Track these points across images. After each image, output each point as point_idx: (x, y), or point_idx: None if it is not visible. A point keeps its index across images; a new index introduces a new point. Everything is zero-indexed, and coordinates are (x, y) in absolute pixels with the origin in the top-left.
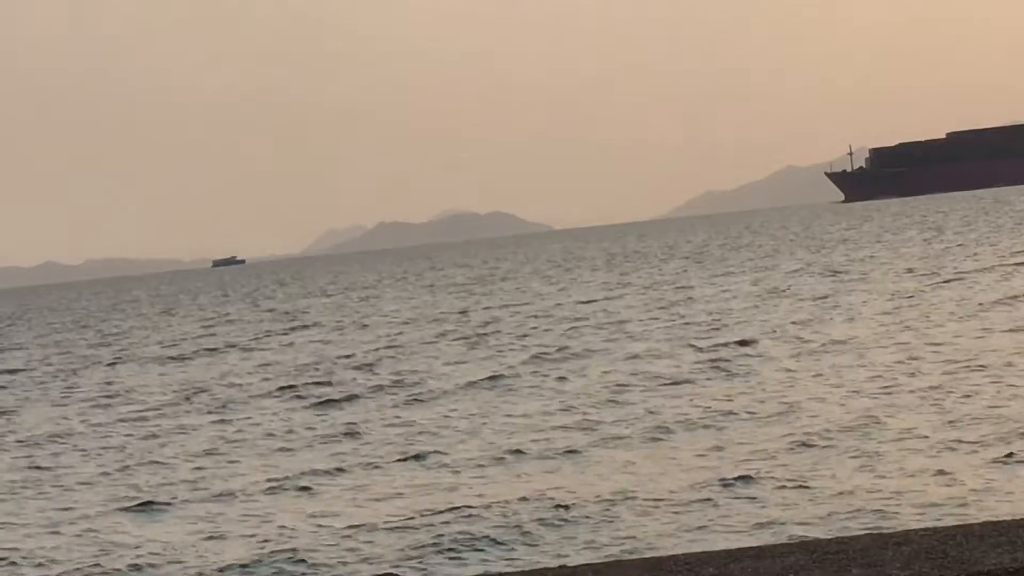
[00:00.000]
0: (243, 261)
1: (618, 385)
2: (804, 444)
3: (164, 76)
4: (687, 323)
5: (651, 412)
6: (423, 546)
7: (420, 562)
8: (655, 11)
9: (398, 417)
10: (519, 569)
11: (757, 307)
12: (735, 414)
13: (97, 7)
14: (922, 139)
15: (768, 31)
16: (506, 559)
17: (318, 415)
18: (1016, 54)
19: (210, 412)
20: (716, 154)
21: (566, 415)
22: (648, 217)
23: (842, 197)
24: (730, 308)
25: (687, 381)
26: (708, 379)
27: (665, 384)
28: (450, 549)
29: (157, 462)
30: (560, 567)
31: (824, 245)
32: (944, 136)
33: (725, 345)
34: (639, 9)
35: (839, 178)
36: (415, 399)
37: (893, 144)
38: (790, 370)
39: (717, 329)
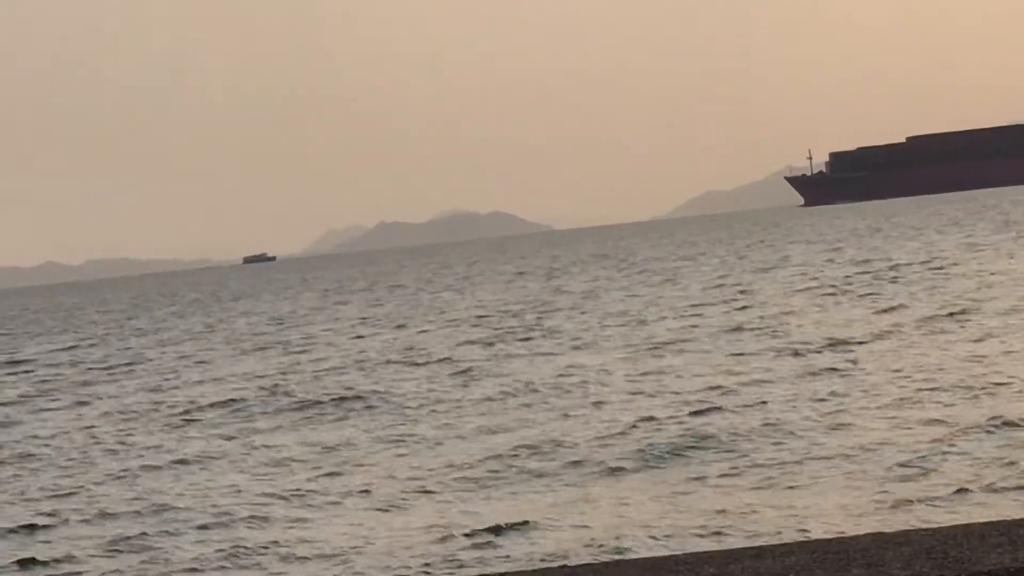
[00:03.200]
0: (274, 258)
1: None
2: None
3: (163, 76)
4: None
5: None
6: None
7: None
8: (655, 11)
9: None
10: (519, 569)
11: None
12: None
13: (97, 5)
14: (882, 143)
15: (769, 31)
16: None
17: None
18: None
19: None
20: (716, 154)
21: None
22: (648, 217)
23: (802, 201)
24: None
25: None
26: None
27: None
28: None
29: None
30: (560, 567)
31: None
32: (904, 140)
33: None
34: (639, 9)
35: (799, 182)
36: None
37: (853, 148)
38: None
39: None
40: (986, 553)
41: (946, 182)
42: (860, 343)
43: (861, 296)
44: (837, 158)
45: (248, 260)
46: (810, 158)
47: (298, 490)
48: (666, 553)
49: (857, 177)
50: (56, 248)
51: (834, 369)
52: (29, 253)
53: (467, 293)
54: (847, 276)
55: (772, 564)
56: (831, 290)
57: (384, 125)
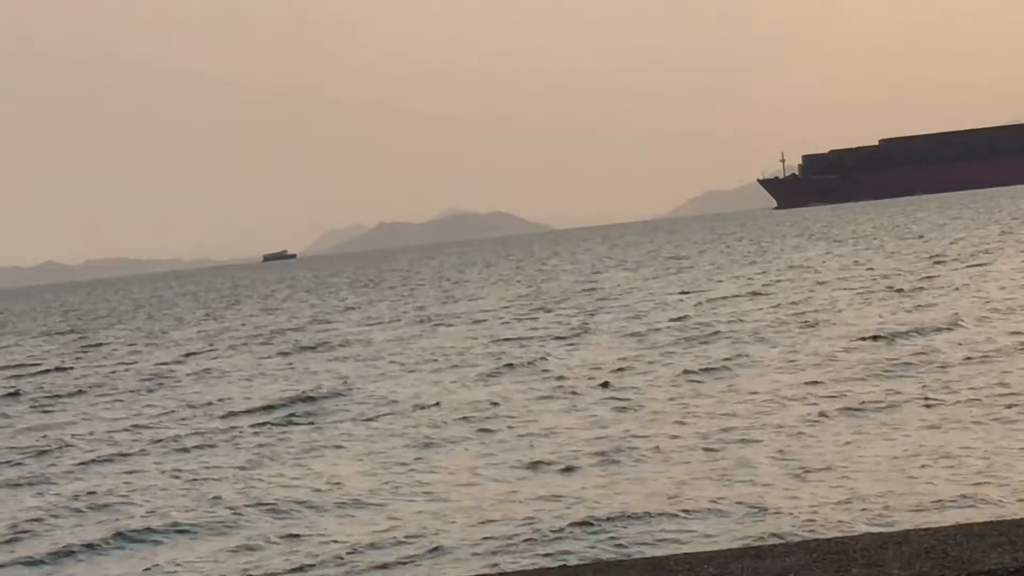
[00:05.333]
0: (294, 256)
1: None
2: None
3: (164, 76)
4: None
5: None
6: None
7: None
8: (655, 10)
9: None
10: (519, 569)
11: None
12: None
13: (98, 6)
14: (854, 146)
15: (769, 30)
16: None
17: None
18: None
19: None
20: (717, 154)
21: None
22: (649, 216)
23: (775, 204)
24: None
25: None
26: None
27: None
28: None
29: None
30: (560, 567)
31: None
32: (877, 143)
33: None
34: (639, 8)
35: (771, 185)
36: None
37: (825, 151)
38: None
39: None
40: (986, 553)
41: (918, 185)
42: None
43: None
44: (809, 161)
45: (268, 258)
46: (783, 161)
47: None
48: (667, 553)
49: (829, 180)
50: (56, 248)
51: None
52: (29, 253)
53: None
54: None
55: (772, 564)
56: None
57: (384, 125)
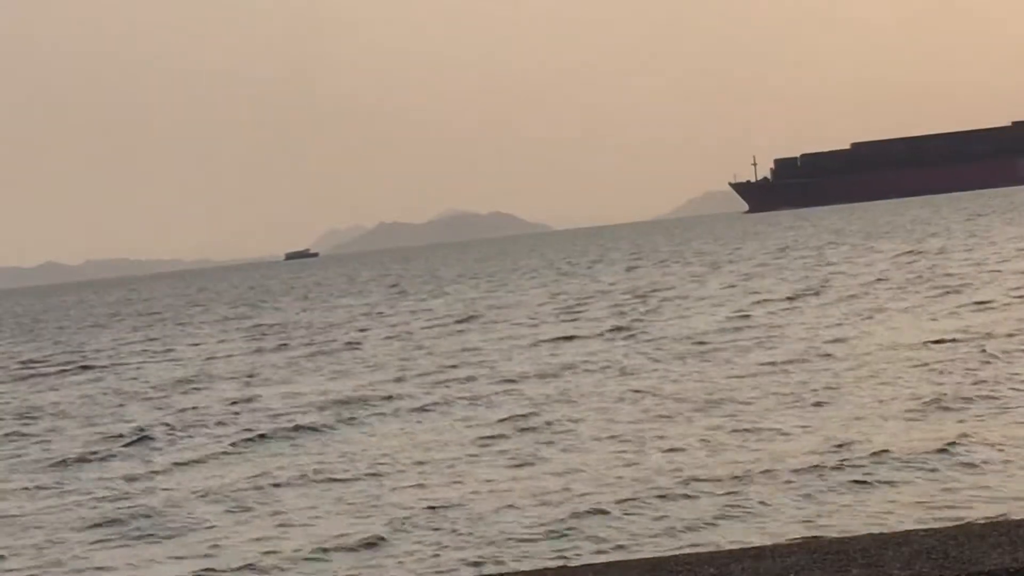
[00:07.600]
0: (316, 255)
1: None
2: None
3: (164, 76)
4: None
5: None
6: None
7: None
8: (656, 10)
9: None
10: (519, 569)
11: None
12: None
13: (98, 6)
14: (826, 150)
15: (770, 31)
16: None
17: None
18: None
19: None
20: (716, 154)
21: None
22: (649, 217)
23: (747, 207)
24: None
25: None
26: None
27: None
28: None
29: None
30: (560, 567)
31: None
32: (848, 146)
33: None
34: (640, 8)
35: (743, 188)
36: None
37: (796, 154)
38: None
39: None
40: (986, 553)
41: (890, 188)
42: None
43: None
44: (781, 164)
45: (291, 256)
46: (755, 164)
47: None
48: (667, 554)
49: (801, 183)
50: (56, 248)
51: None
52: (29, 253)
53: None
54: None
55: (772, 564)
56: None
57: (384, 125)
